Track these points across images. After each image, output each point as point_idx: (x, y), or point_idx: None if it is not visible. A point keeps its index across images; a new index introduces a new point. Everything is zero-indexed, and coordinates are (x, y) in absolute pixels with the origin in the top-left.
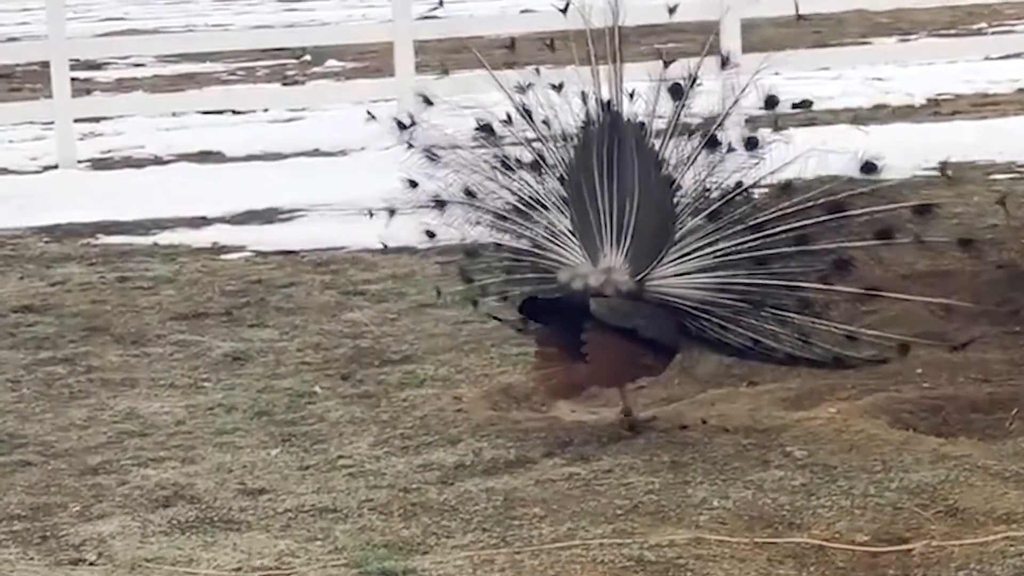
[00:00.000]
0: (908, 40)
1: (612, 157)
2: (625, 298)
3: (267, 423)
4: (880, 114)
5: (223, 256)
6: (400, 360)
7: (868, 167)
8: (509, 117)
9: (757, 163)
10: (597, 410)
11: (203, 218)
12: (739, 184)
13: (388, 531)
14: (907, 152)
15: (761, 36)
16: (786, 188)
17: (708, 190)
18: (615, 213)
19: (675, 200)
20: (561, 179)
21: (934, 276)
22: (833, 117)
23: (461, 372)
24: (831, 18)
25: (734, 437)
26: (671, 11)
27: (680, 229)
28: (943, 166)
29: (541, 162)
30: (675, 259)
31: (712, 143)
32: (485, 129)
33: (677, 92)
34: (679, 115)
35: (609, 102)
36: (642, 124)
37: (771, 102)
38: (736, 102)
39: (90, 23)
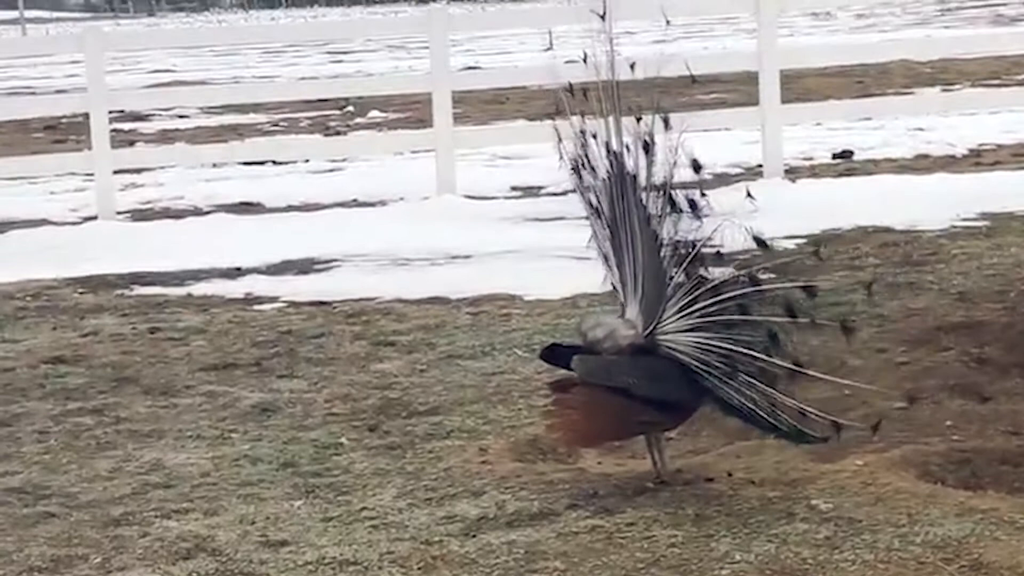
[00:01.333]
0: (951, 90)
1: (624, 209)
2: (638, 352)
3: (292, 474)
4: (922, 164)
5: (256, 307)
6: (427, 411)
7: (760, 243)
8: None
9: (699, 226)
10: (624, 461)
11: (238, 269)
12: (692, 245)
13: None
14: (948, 202)
15: (805, 86)
16: (718, 256)
17: (678, 249)
18: (632, 266)
19: (661, 256)
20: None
21: (967, 327)
22: (875, 167)
23: (488, 424)
24: (875, 67)
25: (759, 489)
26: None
27: (670, 285)
28: (816, 247)
29: (599, 210)
30: (671, 316)
31: (672, 203)
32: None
33: (647, 148)
34: (649, 171)
35: (618, 154)
36: (634, 177)
37: (696, 166)
38: (675, 164)
39: (139, 75)
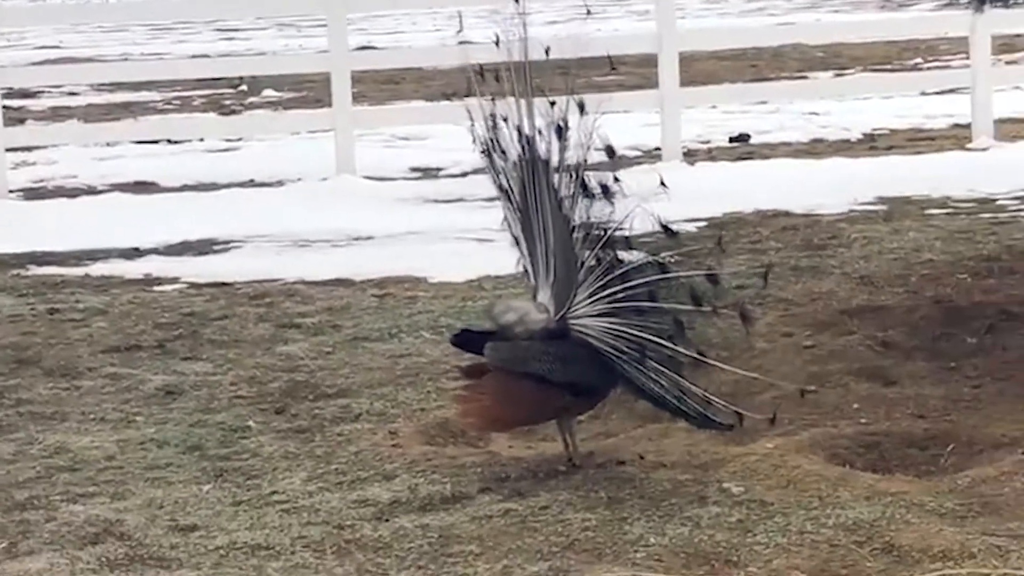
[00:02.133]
0: (844, 75)
1: (536, 193)
2: (550, 337)
3: (199, 458)
4: (818, 148)
5: (156, 288)
6: (335, 394)
7: (667, 229)
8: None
9: (611, 210)
10: (535, 444)
11: (136, 249)
12: (604, 229)
13: (322, 569)
14: (845, 186)
15: (700, 70)
16: (628, 241)
17: (589, 234)
18: (544, 249)
19: (573, 240)
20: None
21: (870, 311)
22: (771, 151)
23: (397, 407)
24: (768, 51)
25: (671, 472)
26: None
27: (581, 269)
28: (718, 235)
29: (509, 193)
30: (582, 300)
31: (584, 187)
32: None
33: (560, 132)
34: (562, 155)
35: (530, 138)
36: (547, 161)
37: (610, 152)
38: (588, 148)
39: (25, 51)
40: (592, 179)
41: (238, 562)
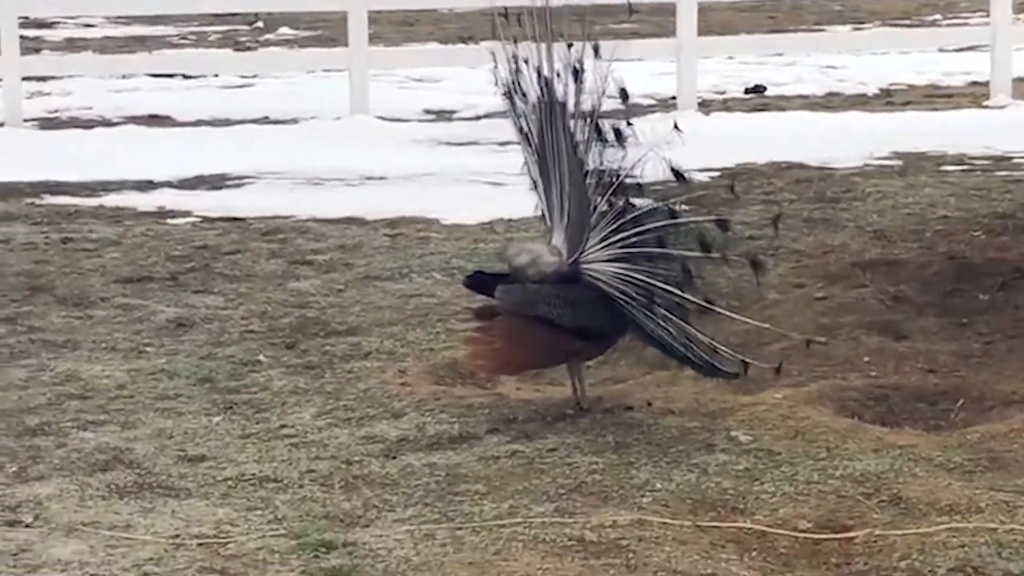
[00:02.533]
0: (862, 29)
1: (552, 135)
2: (561, 280)
3: (209, 390)
4: (834, 101)
5: (169, 220)
6: (345, 332)
7: (678, 175)
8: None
9: (624, 155)
10: (543, 388)
11: (150, 182)
12: (616, 174)
13: (329, 503)
14: (860, 140)
15: (717, 19)
16: (640, 187)
17: (602, 179)
18: (559, 192)
19: (586, 184)
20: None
21: (883, 265)
22: (787, 103)
23: (406, 346)
24: (787, 4)
25: (679, 419)
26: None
27: (594, 214)
28: (731, 181)
29: (528, 136)
30: (594, 244)
31: (598, 132)
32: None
33: (576, 74)
34: (578, 98)
35: (548, 80)
36: (563, 104)
37: (624, 95)
38: (603, 93)
39: None
40: (606, 124)
41: (246, 493)
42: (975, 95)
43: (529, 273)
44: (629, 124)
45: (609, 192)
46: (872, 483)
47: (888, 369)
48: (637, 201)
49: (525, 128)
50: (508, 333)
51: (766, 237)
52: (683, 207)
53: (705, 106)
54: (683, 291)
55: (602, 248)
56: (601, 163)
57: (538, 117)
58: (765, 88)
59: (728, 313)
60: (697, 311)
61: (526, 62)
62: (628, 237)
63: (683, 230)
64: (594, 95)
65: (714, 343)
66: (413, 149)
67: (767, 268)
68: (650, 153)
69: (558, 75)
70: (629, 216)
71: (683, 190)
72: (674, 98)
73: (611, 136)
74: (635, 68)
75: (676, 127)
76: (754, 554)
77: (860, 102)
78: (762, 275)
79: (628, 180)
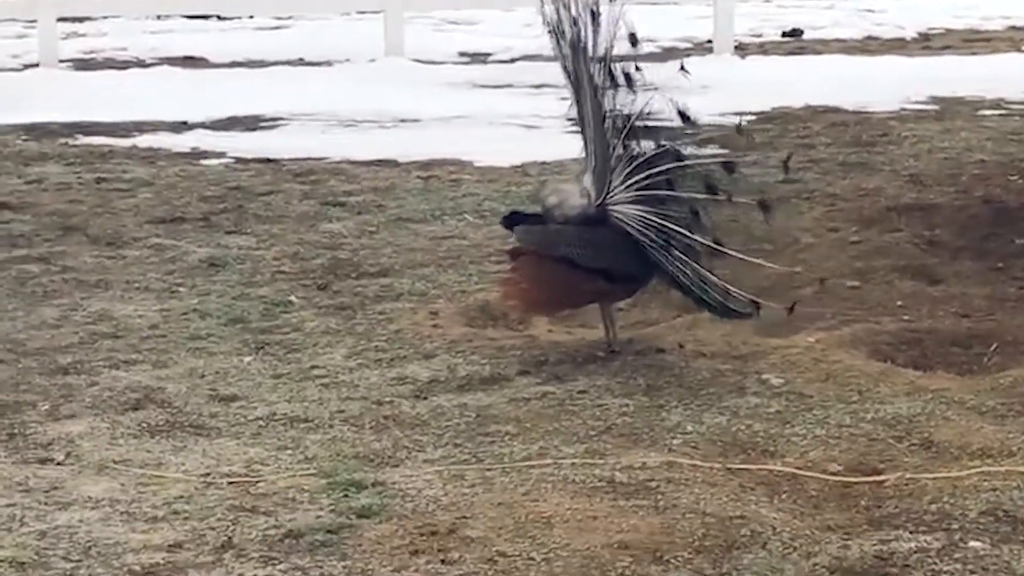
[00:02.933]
0: None
1: (580, 77)
2: (588, 222)
3: (241, 330)
4: (871, 46)
5: (203, 161)
6: (377, 273)
7: (684, 117)
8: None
9: (633, 99)
10: (574, 330)
11: (184, 123)
12: (627, 118)
13: (359, 443)
14: (897, 85)
15: None
16: (653, 130)
17: (615, 122)
18: (587, 134)
19: (605, 127)
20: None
21: (919, 209)
22: (824, 47)
23: (438, 288)
24: None
25: (710, 362)
26: None
27: (612, 157)
28: (738, 126)
29: (569, 76)
30: (617, 186)
31: (611, 75)
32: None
33: (594, 16)
34: (595, 41)
35: (575, 19)
36: (585, 47)
37: (633, 40)
38: (615, 36)
39: None
40: (617, 68)
41: (277, 433)
42: (1014, 40)
43: (556, 214)
44: (638, 69)
45: (623, 134)
46: (903, 426)
47: (922, 313)
48: (649, 143)
49: (568, 68)
50: (530, 273)
51: (801, 181)
52: (693, 150)
53: (742, 49)
54: (693, 232)
55: (625, 190)
56: (615, 106)
57: (572, 58)
58: (802, 32)
59: (736, 253)
60: (707, 252)
61: (564, 3)
62: (642, 179)
63: (689, 173)
64: (607, 38)
65: (726, 284)
66: (447, 92)
67: (774, 210)
68: (660, 96)
69: (579, 16)
70: (642, 159)
71: (694, 132)
72: (710, 42)
73: (622, 80)
74: (672, 11)
75: (683, 68)
76: (784, 497)
77: (898, 46)
78: (771, 217)
79: (642, 123)
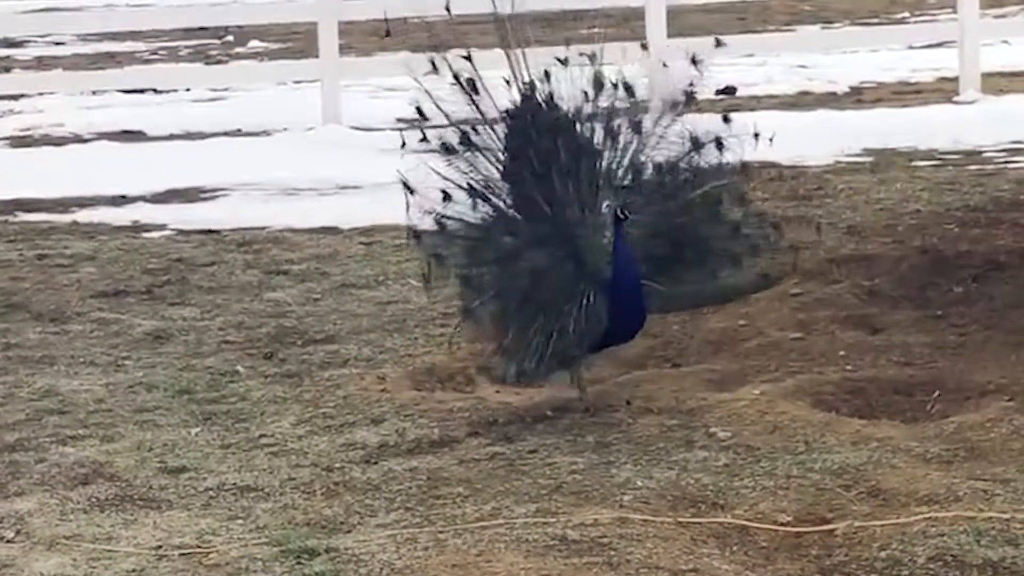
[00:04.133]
0: (831, 28)
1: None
2: None
3: (188, 402)
4: (805, 100)
5: (144, 234)
6: (323, 340)
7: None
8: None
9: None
10: (521, 391)
11: (124, 196)
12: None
13: (311, 510)
14: (832, 138)
15: (688, 22)
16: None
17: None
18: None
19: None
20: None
21: (857, 260)
22: (757, 103)
23: (385, 352)
24: (756, 5)
25: (658, 418)
26: None
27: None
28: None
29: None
30: None
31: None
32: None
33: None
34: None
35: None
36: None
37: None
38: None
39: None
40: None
41: (227, 503)
42: (944, 90)
43: None
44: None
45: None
46: (851, 475)
47: (864, 362)
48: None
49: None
50: None
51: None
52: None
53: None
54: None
55: None
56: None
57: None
58: (736, 89)
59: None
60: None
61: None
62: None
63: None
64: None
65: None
66: (386, 157)
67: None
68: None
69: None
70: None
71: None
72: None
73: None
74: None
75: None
76: (735, 548)
77: (831, 100)
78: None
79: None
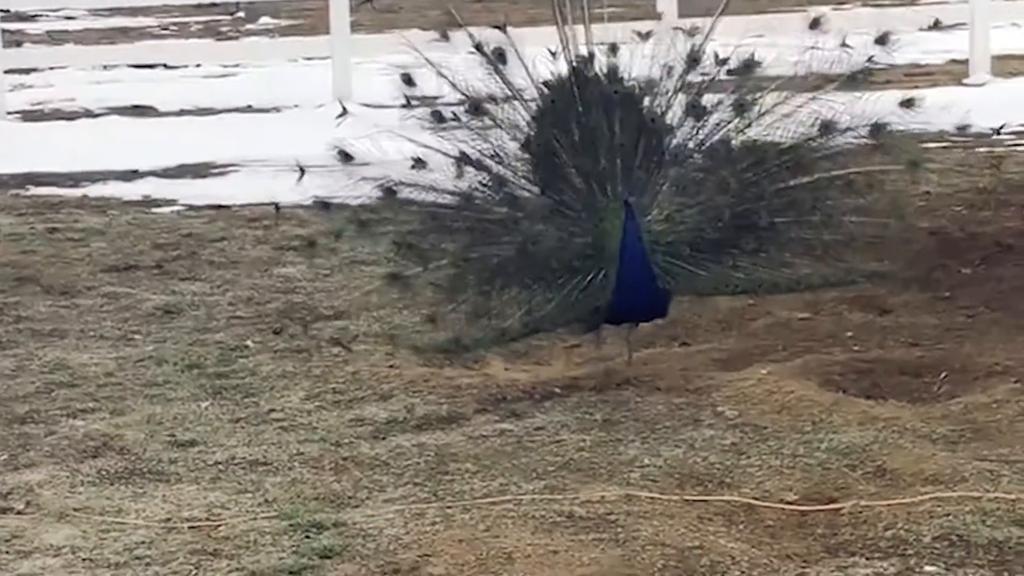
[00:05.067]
0: (842, 9)
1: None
2: None
3: (198, 376)
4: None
5: (155, 209)
6: (333, 316)
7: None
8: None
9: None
10: (530, 368)
11: (135, 171)
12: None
13: (319, 484)
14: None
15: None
16: None
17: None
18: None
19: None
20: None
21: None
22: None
23: (394, 328)
24: None
25: (666, 396)
26: None
27: None
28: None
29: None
30: None
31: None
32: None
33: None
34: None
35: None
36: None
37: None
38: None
39: None
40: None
41: (236, 476)
42: (954, 73)
43: None
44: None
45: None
46: (857, 455)
47: (872, 343)
48: None
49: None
50: None
51: None
52: None
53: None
54: None
55: None
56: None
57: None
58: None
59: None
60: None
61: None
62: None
63: None
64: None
65: None
66: (403, 146)
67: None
68: None
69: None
70: None
71: None
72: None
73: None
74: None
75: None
76: (741, 527)
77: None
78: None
79: None
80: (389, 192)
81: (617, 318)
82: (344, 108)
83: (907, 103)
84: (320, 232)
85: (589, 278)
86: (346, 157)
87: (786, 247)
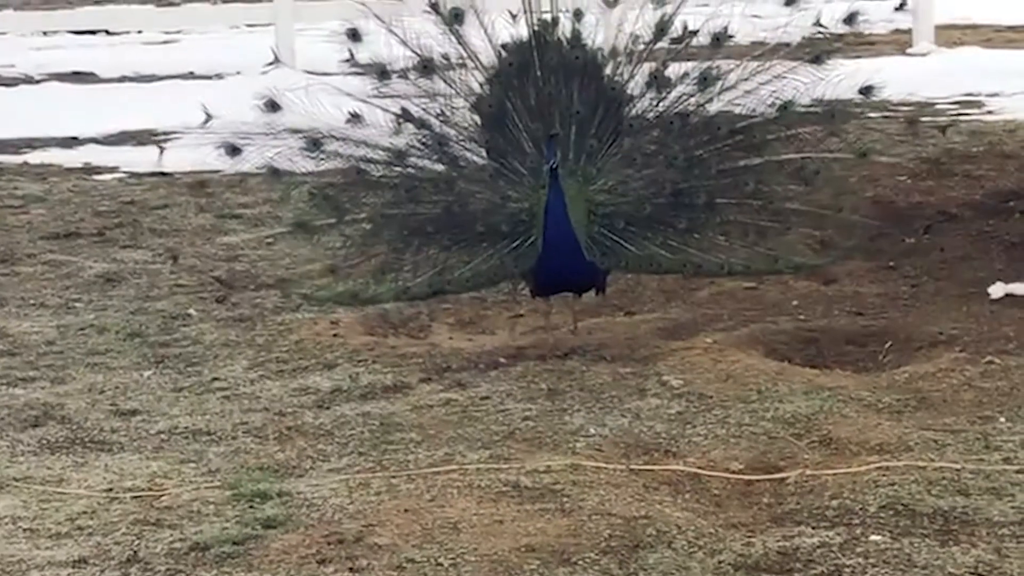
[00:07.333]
0: None
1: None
2: None
3: (140, 344)
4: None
5: (95, 176)
6: (276, 284)
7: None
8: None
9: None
10: (474, 336)
11: (75, 138)
12: None
13: (263, 454)
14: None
15: None
16: None
17: None
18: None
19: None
20: None
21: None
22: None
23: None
24: None
25: (612, 366)
26: None
27: None
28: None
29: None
30: None
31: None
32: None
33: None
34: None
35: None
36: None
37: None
38: None
39: None
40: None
41: (179, 446)
42: (898, 42)
43: None
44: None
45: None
46: (802, 424)
47: (817, 312)
48: None
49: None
50: None
51: None
52: None
53: None
54: None
55: None
56: None
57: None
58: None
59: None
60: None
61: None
62: None
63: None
64: None
65: None
66: (340, 102)
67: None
68: None
69: None
70: None
71: None
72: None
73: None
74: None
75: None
76: (687, 496)
77: (784, 52)
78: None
79: None
80: (314, 143)
81: (544, 287)
82: (276, 56)
83: (866, 91)
84: (262, 201)
85: (516, 243)
86: (274, 107)
87: (719, 229)
